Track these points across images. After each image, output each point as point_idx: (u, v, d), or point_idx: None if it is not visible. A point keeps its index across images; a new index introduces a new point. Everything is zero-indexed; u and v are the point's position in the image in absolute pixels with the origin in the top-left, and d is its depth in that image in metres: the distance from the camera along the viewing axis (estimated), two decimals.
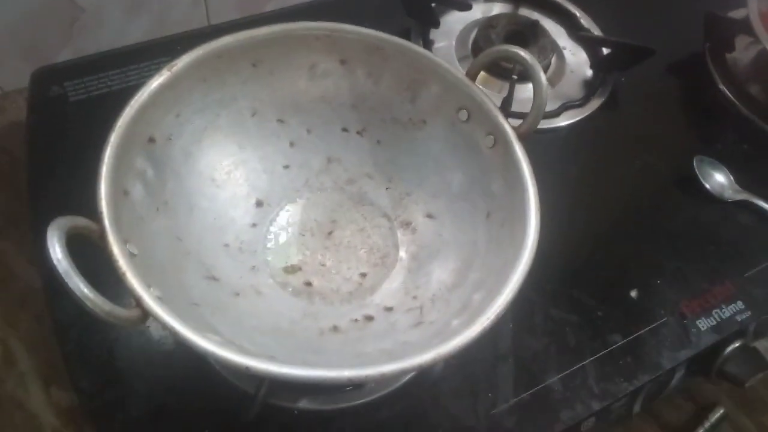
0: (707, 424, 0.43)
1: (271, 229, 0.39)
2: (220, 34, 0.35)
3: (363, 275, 0.38)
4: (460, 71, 0.37)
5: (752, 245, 0.45)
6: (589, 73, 0.54)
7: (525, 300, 0.39)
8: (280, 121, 0.40)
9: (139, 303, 0.26)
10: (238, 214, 0.38)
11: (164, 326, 0.26)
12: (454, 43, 0.55)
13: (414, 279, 0.37)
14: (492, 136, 0.36)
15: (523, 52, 0.35)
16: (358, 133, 0.41)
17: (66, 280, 0.24)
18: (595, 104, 0.52)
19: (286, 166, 0.40)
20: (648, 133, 0.51)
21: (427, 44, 0.53)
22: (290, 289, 0.36)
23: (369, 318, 0.35)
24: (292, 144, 0.40)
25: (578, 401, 0.36)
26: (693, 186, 0.46)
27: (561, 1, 0.58)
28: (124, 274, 0.26)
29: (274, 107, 0.39)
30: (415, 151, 0.40)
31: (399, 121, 0.40)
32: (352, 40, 0.38)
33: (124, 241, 0.28)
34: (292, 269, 0.37)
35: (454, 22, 0.56)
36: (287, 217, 0.39)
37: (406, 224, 0.40)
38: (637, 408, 0.40)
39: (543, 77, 0.35)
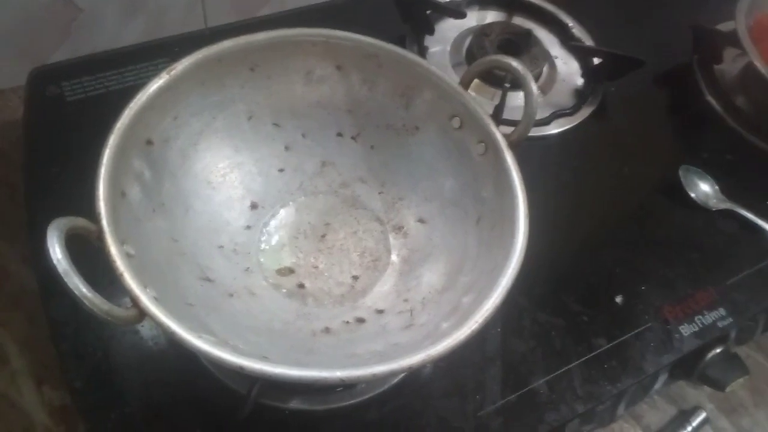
0: (689, 427, 0.44)
1: (265, 231, 0.39)
2: (217, 37, 0.36)
3: (355, 278, 0.38)
4: (453, 79, 0.38)
5: (735, 253, 0.46)
6: (580, 82, 0.55)
7: (513, 304, 0.40)
8: (276, 125, 0.40)
9: (135, 303, 0.27)
10: (233, 216, 0.38)
11: (160, 326, 0.26)
12: (448, 49, 0.56)
13: (405, 282, 0.38)
14: (483, 144, 0.37)
15: (514, 63, 0.36)
16: (352, 137, 0.42)
17: (65, 280, 0.25)
18: (585, 113, 0.53)
19: (281, 170, 0.41)
20: (636, 141, 0.52)
21: (422, 50, 0.54)
22: (284, 291, 0.37)
23: (360, 320, 0.36)
24: (287, 148, 0.41)
25: (563, 403, 0.37)
26: (678, 194, 0.48)
27: (554, 11, 0.59)
28: (121, 275, 0.27)
29: (270, 111, 0.40)
30: (408, 156, 0.41)
31: (393, 126, 0.41)
32: (348, 47, 0.38)
33: (121, 242, 0.28)
34: (285, 271, 0.38)
35: (449, 29, 0.57)
36: (281, 219, 0.40)
37: (398, 228, 0.40)
38: (620, 410, 0.41)
39: (534, 87, 0.36)
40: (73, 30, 0.53)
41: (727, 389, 0.42)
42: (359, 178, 0.42)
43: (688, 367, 0.42)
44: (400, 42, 0.53)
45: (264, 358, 0.28)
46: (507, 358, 0.39)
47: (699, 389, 0.45)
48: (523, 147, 0.36)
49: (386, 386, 0.36)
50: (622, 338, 0.40)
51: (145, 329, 0.37)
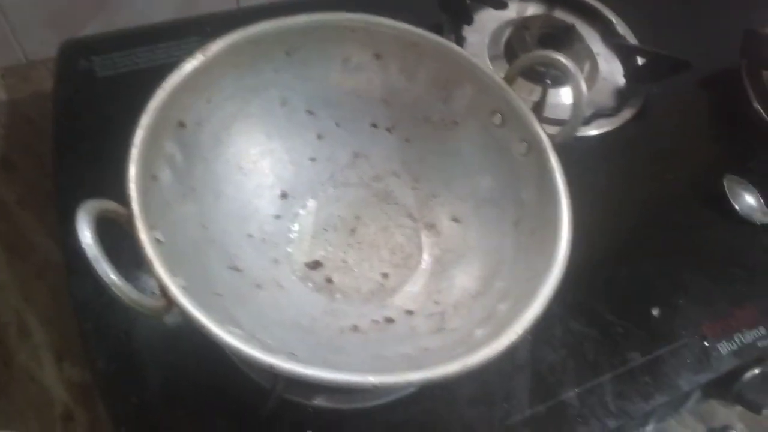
0: None
1: (295, 222, 0.38)
2: (250, 18, 0.35)
3: (385, 275, 0.37)
4: (497, 74, 0.36)
5: None
6: (622, 82, 0.53)
7: (545, 310, 0.39)
8: (310, 112, 0.39)
9: (164, 292, 0.26)
10: (263, 205, 0.37)
11: (189, 319, 0.25)
12: (486, 41, 0.54)
13: (436, 283, 0.36)
14: (526, 143, 0.35)
15: (565, 60, 0.35)
16: (387, 129, 0.40)
17: (94, 266, 0.24)
18: (626, 115, 0.51)
19: (313, 159, 0.40)
20: (678, 147, 0.50)
21: (460, 40, 0.52)
22: (311, 285, 0.36)
23: (389, 320, 0.34)
24: (319, 136, 0.40)
25: (594, 418, 0.36)
26: (722, 205, 0.46)
27: (598, 6, 0.57)
28: (151, 262, 0.26)
29: (304, 98, 0.39)
30: (444, 152, 0.39)
31: (430, 120, 0.39)
32: (389, 34, 0.37)
33: (151, 228, 0.27)
34: (313, 264, 0.37)
35: (488, 19, 0.55)
36: (310, 210, 0.39)
37: (431, 226, 0.39)
38: (649, 428, 0.40)
39: (584, 87, 0.34)
40: (106, 2, 0.51)
41: (764, 412, 0.40)
42: (392, 171, 0.40)
43: (724, 386, 0.40)
44: (437, 31, 0.51)
45: (291, 355, 0.27)
46: (536, 366, 0.37)
47: (729, 407, 0.44)
48: (560, 147, 0.34)
49: (411, 389, 0.35)
50: (658, 353, 0.39)
51: (169, 314, 0.36)
